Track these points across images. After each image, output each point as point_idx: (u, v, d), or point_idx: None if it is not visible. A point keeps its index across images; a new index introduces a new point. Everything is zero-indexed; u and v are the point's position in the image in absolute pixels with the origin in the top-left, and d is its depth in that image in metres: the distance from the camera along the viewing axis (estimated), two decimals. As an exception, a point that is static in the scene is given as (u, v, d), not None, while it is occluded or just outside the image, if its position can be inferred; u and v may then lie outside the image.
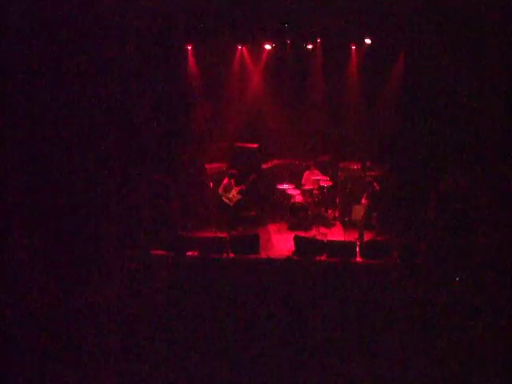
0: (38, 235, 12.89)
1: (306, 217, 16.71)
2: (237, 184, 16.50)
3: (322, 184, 16.92)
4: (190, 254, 14.18)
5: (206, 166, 17.59)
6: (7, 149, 12.58)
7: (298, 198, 16.95)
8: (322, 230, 16.60)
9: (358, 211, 16.26)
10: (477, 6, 14.33)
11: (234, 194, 16.37)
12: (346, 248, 14.37)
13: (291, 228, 16.75)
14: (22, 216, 12.77)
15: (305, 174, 17.52)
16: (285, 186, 17.07)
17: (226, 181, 16.41)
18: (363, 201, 16.02)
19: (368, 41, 17.50)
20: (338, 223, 17.40)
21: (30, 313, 11.33)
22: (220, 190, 16.36)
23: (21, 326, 11.02)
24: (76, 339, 10.62)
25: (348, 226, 16.89)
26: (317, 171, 17.49)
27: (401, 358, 10.22)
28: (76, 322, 11.08)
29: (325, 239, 15.45)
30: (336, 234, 16.45)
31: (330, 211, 17.68)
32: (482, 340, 10.46)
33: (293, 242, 14.64)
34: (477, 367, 10.01)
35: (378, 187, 15.75)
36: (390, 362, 10.15)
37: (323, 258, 14.11)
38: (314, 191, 16.88)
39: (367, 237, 15.62)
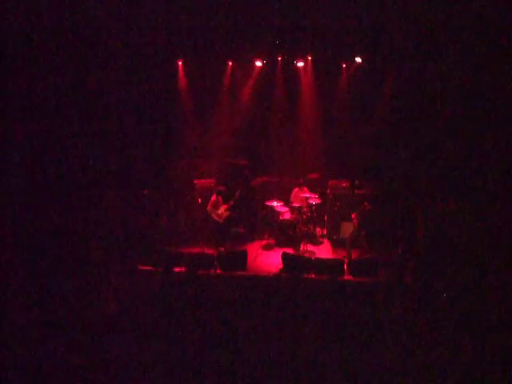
0: (26, 250, 12.83)
1: (295, 234, 16.66)
2: (225, 200, 16.43)
3: (310, 201, 16.90)
4: (177, 269, 14.12)
5: (195, 181, 17.57)
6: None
7: (287, 215, 16.92)
8: (310, 247, 16.56)
9: (347, 229, 16.25)
10: (465, 26, 14.48)
11: (222, 210, 16.28)
12: (334, 266, 14.36)
13: (279, 245, 16.68)
14: (11, 229, 12.71)
15: (294, 192, 17.50)
16: (273, 203, 17.03)
17: (214, 198, 16.31)
18: (353, 219, 15.99)
19: (358, 59, 17.56)
20: (326, 241, 17.37)
21: (17, 325, 11.24)
22: (209, 208, 16.25)
23: (9, 339, 10.94)
24: (63, 353, 10.51)
25: (336, 243, 16.87)
26: (306, 189, 17.48)
27: (388, 375, 10.17)
28: (63, 336, 10.98)
29: (313, 257, 15.43)
30: (324, 252, 16.43)
31: (318, 229, 17.66)
32: (471, 358, 10.44)
33: (281, 259, 14.61)
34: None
35: (369, 206, 15.72)
36: (378, 379, 10.10)
37: (311, 275, 14.09)
38: (303, 209, 16.85)
39: (355, 255, 15.60)
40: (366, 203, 15.74)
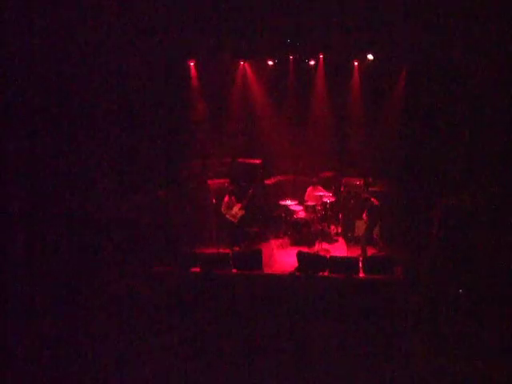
0: (39, 250, 12.87)
1: (309, 232, 16.66)
2: (238, 200, 16.44)
3: (324, 200, 16.90)
4: (193, 270, 14.14)
5: (209, 181, 17.58)
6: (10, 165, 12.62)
7: (301, 214, 16.92)
8: (325, 245, 16.54)
9: (361, 227, 16.22)
10: (478, 22, 14.39)
11: (236, 210, 16.29)
12: (349, 264, 14.31)
13: (294, 244, 16.69)
14: (22, 230, 12.76)
15: (308, 190, 17.49)
16: (288, 202, 17.03)
17: (227, 198, 16.33)
18: (364, 217, 15.96)
19: (370, 56, 17.50)
20: (340, 239, 17.34)
21: (28, 326, 11.29)
22: (223, 209, 16.27)
23: (20, 337, 10.98)
24: (77, 352, 10.56)
25: (351, 241, 16.89)
26: (320, 187, 17.47)
27: (404, 371, 10.15)
28: (79, 336, 11.03)
29: (328, 255, 15.39)
30: (339, 250, 16.40)
31: (332, 227, 17.64)
32: (487, 354, 10.40)
33: (296, 258, 14.59)
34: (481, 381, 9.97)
35: (376, 203, 15.67)
36: (394, 375, 10.09)
37: (326, 273, 14.06)
38: (317, 207, 16.85)
39: (370, 252, 15.57)
40: (372, 199, 15.69)
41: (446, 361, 10.36)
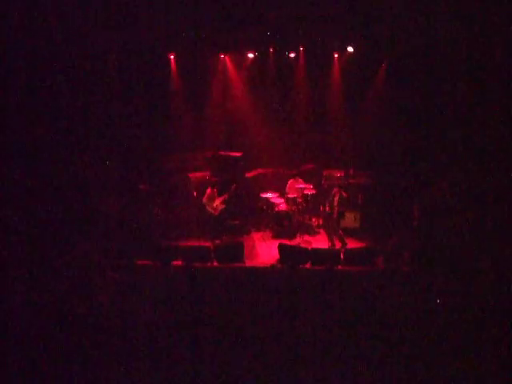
0: (19, 245, 12.82)
1: (290, 225, 16.69)
2: (219, 193, 16.42)
3: (305, 192, 16.92)
4: (174, 263, 14.12)
5: (190, 175, 17.56)
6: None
7: (282, 207, 16.94)
8: (306, 237, 16.61)
9: (347, 218, 16.34)
10: (459, 15, 14.49)
11: (217, 203, 16.28)
12: (330, 255, 14.39)
13: (275, 236, 16.72)
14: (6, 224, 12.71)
15: (289, 183, 17.51)
16: (269, 195, 17.05)
17: (209, 190, 16.30)
18: (327, 208, 16.07)
19: (350, 49, 17.55)
20: (322, 231, 17.39)
21: (13, 322, 11.23)
22: (204, 200, 16.25)
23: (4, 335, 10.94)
24: (60, 349, 10.52)
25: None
26: (300, 180, 17.49)
27: (386, 363, 10.22)
28: (60, 331, 10.99)
29: (309, 247, 15.45)
30: (320, 242, 16.45)
31: (313, 219, 17.69)
32: (468, 345, 10.49)
33: (277, 250, 14.64)
34: (468, 373, 10.05)
35: (345, 194, 15.75)
36: (376, 367, 10.15)
37: (308, 265, 14.12)
38: (298, 199, 16.88)
39: (352, 244, 15.65)
40: (342, 191, 15.78)
41: (425, 351, 10.45)
